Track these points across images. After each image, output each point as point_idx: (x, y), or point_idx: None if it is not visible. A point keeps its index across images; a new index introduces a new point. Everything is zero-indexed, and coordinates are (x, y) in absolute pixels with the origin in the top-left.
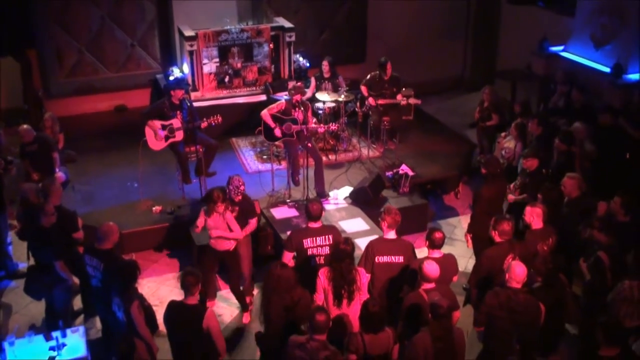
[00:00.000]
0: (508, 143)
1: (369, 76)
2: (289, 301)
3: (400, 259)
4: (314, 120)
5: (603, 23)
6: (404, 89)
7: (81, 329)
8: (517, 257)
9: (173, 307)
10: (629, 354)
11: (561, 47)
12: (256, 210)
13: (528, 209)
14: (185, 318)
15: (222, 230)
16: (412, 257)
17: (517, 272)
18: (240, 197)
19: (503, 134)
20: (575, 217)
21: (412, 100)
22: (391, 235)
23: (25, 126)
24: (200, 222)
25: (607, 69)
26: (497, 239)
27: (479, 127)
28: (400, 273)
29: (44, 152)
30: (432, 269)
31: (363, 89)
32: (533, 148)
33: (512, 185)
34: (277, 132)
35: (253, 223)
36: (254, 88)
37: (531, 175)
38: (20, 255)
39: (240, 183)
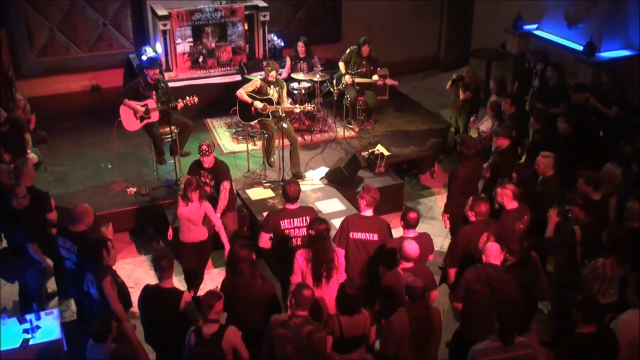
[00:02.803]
0: (484, 125)
1: (347, 51)
2: (239, 283)
3: (375, 236)
4: (290, 100)
5: (576, 1)
6: (379, 68)
7: (55, 311)
8: (492, 235)
9: (149, 292)
10: (606, 331)
11: (535, 26)
12: (229, 173)
13: (498, 190)
14: (162, 302)
15: (197, 219)
16: (387, 235)
17: (492, 249)
18: (210, 162)
19: (473, 118)
20: (549, 196)
21: (389, 81)
22: (368, 212)
23: None
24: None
25: (580, 47)
26: (473, 218)
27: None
28: (376, 252)
29: (16, 133)
30: (412, 248)
31: (341, 65)
32: (505, 127)
33: (485, 165)
34: (257, 105)
35: (226, 185)
36: (229, 68)
37: (502, 154)
38: None
39: (205, 145)
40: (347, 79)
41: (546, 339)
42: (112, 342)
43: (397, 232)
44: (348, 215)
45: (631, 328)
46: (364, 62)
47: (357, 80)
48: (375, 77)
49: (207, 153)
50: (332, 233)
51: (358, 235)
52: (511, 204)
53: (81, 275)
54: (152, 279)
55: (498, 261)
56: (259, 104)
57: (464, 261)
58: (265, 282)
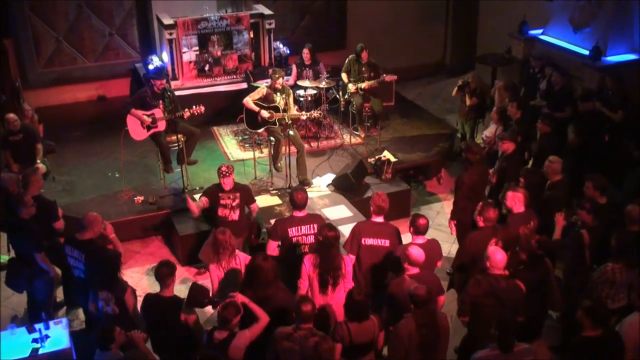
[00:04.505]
0: (488, 130)
1: (346, 60)
2: (260, 296)
3: (387, 242)
4: (296, 107)
5: (581, 5)
6: (384, 75)
7: (64, 320)
8: (500, 241)
9: (150, 300)
10: (612, 334)
11: (540, 31)
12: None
13: (510, 193)
14: (163, 310)
15: None
16: (397, 241)
17: (497, 258)
18: (230, 184)
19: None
20: (557, 200)
21: (388, 78)
22: (379, 218)
23: (12, 115)
24: None
25: (586, 52)
26: (481, 224)
27: (463, 111)
28: (385, 258)
29: (28, 142)
30: (418, 253)
31: (344, 75)
32: (510, 131)
33: (491, 170)
34: (263, 114)
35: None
36: (235, 76)
37: (508, 159)
38: (1, 247)
39: (225, 166)
40: (351, 87)
41: (556, 344)
42: (119, 349)
43: (405, 238)
44: (359, 222)
45: (636, 330)
46: (363, 69)
47: (361, 85)
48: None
49: (227, 174)
50: (340, 240)
51: (370, 241)
52: (519, 208)
53: (90, 284)
54: (159, 288)
55: (500, 271)
56: (265, 113)
57: (472, 267)
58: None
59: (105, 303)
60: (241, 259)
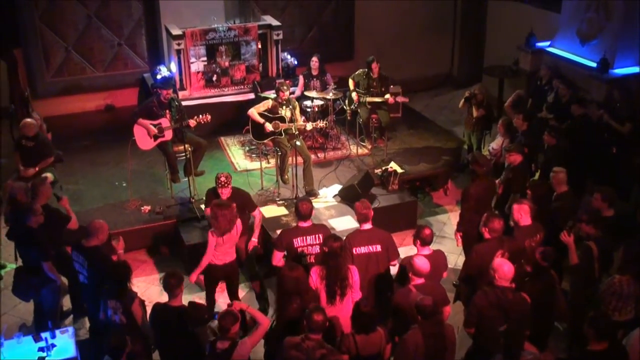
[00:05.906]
0: (495, 142)
1: (357, 72)
2: (308, 301)
3: (378, 247)
4: (303, 118)
5: (589, 18)
6: (392, 86)
7: (70, 329)
8: (506, 253)
9: (158, 310)
10: (618, 348)
11: (548, 43)
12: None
13: (515, 206)
14: (171, 320)
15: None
16: (390, 245)
17: (504, 270)
18: (227, 194)
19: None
20: (564, 212)
21: (400, 99)
22: (366, 226)
23: (30, 120)
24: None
25: (593, 64)
26: (487, 235)
27: (470, 123)
28: (386, 267)
29: (39, 151)
30: (422, 263)
31: (351, 82)
32: (517, 143)
33: (497, 181)
34: (267, 127)
35: (257, 214)
36: (242, 87)
37: (514, 170)
38: (9, 256)
39: (223, 176)
40: (354, 96)
41: (563, 356)
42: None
43: (411, 249)
44: (348, 234)
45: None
46: (374, 84)
47: (369, 99)
48: (387, 96)
49: (226, 185)
50: None
51: (361, 250)
52: (526, 221)
53: (94, 291)
54: (166, 297)
55: (507, 282)
56: (269, 127)
57: (479, 279)
58: None
59: (113, 312)
60: (237, 226)
